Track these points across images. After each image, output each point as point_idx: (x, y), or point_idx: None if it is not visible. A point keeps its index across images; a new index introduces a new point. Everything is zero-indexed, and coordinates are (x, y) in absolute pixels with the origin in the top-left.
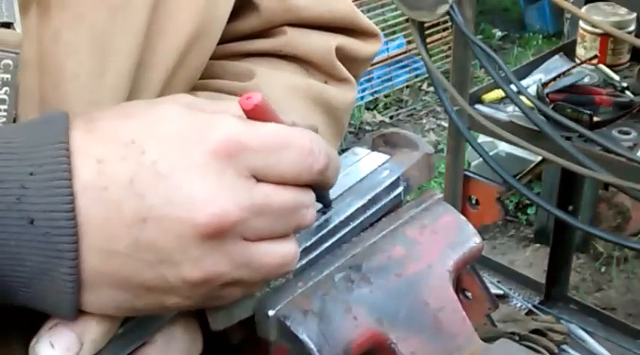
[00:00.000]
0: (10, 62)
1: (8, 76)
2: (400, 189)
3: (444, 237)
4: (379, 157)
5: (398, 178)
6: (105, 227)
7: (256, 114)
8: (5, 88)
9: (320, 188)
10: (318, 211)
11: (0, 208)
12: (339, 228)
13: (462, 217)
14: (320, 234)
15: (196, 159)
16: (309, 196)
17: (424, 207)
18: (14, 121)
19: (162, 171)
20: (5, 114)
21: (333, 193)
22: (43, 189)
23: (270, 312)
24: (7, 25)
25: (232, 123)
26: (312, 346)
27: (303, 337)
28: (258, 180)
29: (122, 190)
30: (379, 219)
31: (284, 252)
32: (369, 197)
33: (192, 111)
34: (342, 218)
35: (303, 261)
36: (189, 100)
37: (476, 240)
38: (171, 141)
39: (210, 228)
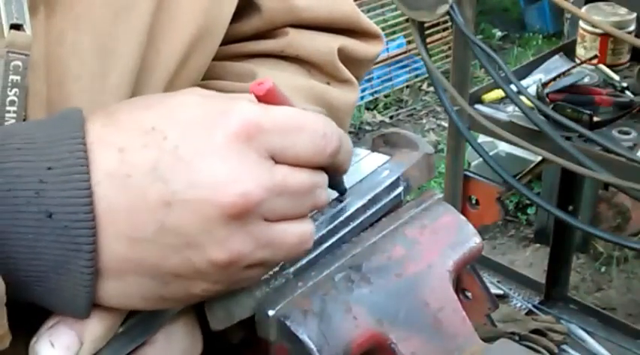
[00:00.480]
0: (19, 64)
1: (18, 77)
2: (400, 189)
3: (444, 237)
4: (379, 158)
5: (398, 178)
6: (130, 214)
7: (268, 99)
8: (15, 90)
9: (334, 173)
10: (334, 200)
11: (18, 202)
12: (339, 228)
13: (462, 217)
14: (320, 234)
15: (217, 141)
16: (323, 177)
17: (424, 207)
18: None
19: (185, 156)
20: (15, 115)
21: (333, 194)
22: (62, 182)
23: (270, 312)
24: (18, 27)
25: (250, 107)
26: (312, 346)
27: (303, 337)
28: (277, 161)
29: (146, 177)
30: (379, 219)
31: (302, 230)
32: (369, 197)
33: (210, 97)
34: (342, 218)
35: (303, 261)
36: (204, 91)
37: (476, 240)
38: (191, 126)
39: (235, 208)
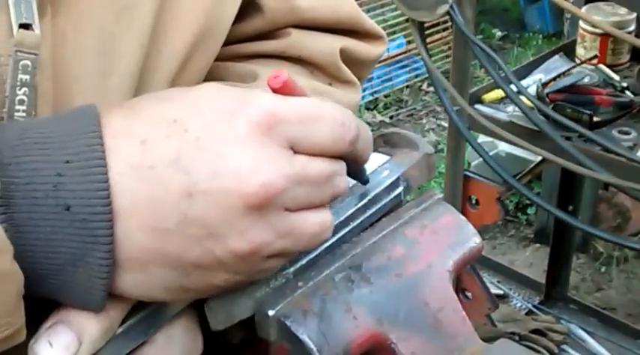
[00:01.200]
0: (28, 63)
1: (27, 76)
2: (400, 189)
3: (444, 237)
4: (379, 158)
5: (398, 178)
6: (154, 205)
7: (285, 91)
8: (24, 89)
9: (354, 162)
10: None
11: (36, 196)
12: (339, 228)
13: (462, 217)
14: None
15: (238, 132)
16: (342, 166)
17: (424, 207)
18: None
19: (206, 147)
20: (24, 114)
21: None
22: (79, 176)
23: (270, 312)
24: (27, 27)
25: (269, 97)
26: (312, 346)
27: (303, 337)
28: (296, 151)
29: (168, 168)
30: (379, 219)
31: (321, 220)
32: (369, 197)
33: (228, 90)
34: (342, 218)
35: (303, 261)
36: (222, 84)
37: (476, 240)
38: (212, 117)
39: (257, 198)
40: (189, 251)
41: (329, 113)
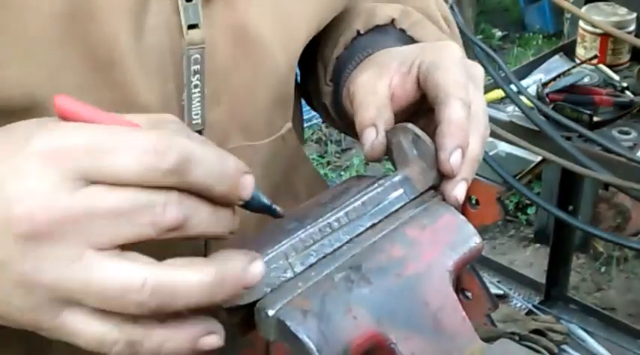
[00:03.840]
0: (198, 56)
1: (198, 66)
2: (401, 191)
3: (444, 237)
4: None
5: (400, 178)
6: None
7: (70, 116)
8: (197, 75)
9: (207, 194)
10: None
11: None
12: (339, 228)
13: (462, 217)
14: (320, 235)
15: (18, 162)
16: (162, 195)
17: (424, 207)
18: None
19: None
20: (199, 95)
21: None
22: None
23: (270, 312)
24: (194, 26)
25: (58, 128)
26: (312, 346)
27: (303, 337)
28: (93, 182)
29: None
30: (380, 220)
31: (127, 275)
32: (369, 196)
33: (28, 123)
34: (342, 219)
35: (304, 262)
36: (33, 121)
37: (476, 240)
38: (4, 146)
39: (20, 228)
40: None
41: (133, 141)
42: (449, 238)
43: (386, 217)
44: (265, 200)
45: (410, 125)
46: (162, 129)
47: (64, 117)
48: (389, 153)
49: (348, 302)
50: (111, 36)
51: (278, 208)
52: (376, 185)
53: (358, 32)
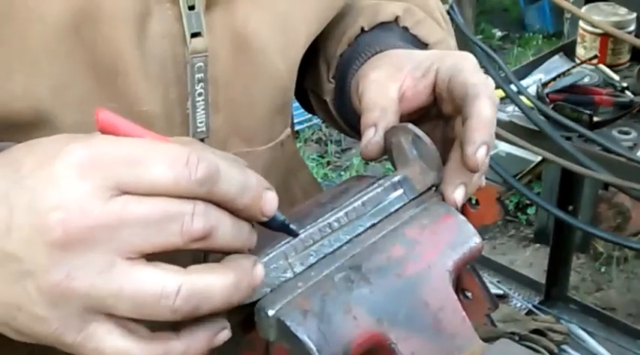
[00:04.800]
0: (202, 64)
1: (202, 74)
2: (401, 191)
3: (444, 237)
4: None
5: (400, 177)
6: None
7: (109, 129)
8: (201, 84)
9: (226, 206)
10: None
11: None
12: (339, 228)
13: (462, 217)
14: (320, 235)
15: (55, 171)
16: (190, 205)
17: (424, 207)
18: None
19: (28, 184)
20: (203, 103)
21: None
22: None
23: (270, 312)
24: (197, 34)
25: (93, 139)
26: (312, 346)
27: (303, 337)
28: (126, 192)
29: (1, 203)
30: (380, 220)
31: (163, 281)
32: (369, 196)
33: (66, 136)
34: (342, 219)
35: (304, 262)
36: (67, 134)
37: (476, 240)
38: (40, 159)
39: (55, 234)
40: (8, 289)
41: (166, 153)
42: (449, 238)
43: (386, 217)
44: (284, 218)
45: (410, 125)
46: (191, 145)
47: (104, 131)
48: (389, 153)
49: (348, 302)
50: (115, 46)
51: (294, 227)
52: (376, 185)
53: (362, 29)
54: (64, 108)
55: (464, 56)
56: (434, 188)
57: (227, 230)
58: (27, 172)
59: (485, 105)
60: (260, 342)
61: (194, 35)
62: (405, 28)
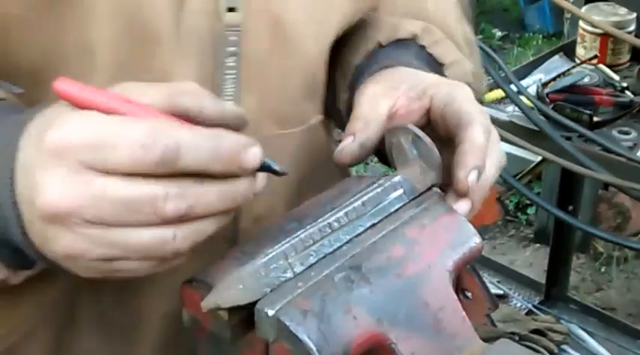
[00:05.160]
0: (235, 38)
1: (235, 48)
2: (401, 191)
3: (444, 237)
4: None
5: (399, 179)
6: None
7: (72, 100)
8: (232, 57)
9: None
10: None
11: None
12: (339, 228)
13: (462, 217)
14: (320, 235)
15: (42, 155)
16: (162, 188)
17: (424, 207)
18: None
19: (25, 165)
20: (234, 76)
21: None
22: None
23: (270, 312)
24: (232, 9)
25: (65, 124)
26: (312, 346)
27: (303, 337)
28: (101, 171)
29: (18, 175)
30: (379, 220)
31: (154, 235)
32: (369, 196)
33: (50, 111)
34: (342, 219)
35: (304, 262)
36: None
37: (476, 240)
38: (32, 140)
39: (46, 213)
40: (47, 244)
41: (124, 136)
42: (449, 238)
43: (386, 217)
44: (271, 163)
45: (410, 125)
46: (153, 121)
47: (64, 98)
48: (389, 153)
49: (348, 302)
50: (155, 15)
51: (278, 168)
52: (376, 185)
53: (380, 44)
54: (94, 72)
55: (459, 85)
56: (434, 188)
57: (211, 199)
58: (22, 154)
59: (478, 132)
60: (259, 342)
61: (230, 10)
62: (422, 47)
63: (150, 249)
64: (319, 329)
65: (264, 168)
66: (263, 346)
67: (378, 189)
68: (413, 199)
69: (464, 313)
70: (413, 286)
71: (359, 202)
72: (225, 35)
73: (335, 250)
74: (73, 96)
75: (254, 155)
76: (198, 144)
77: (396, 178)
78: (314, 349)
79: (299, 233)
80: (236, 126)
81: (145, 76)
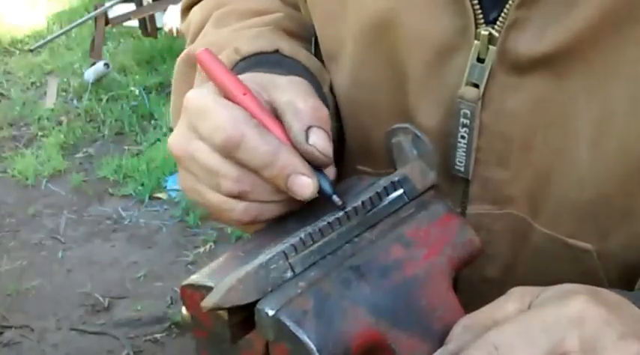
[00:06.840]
0: (467, 111)
1: (467, 120)
2: (401, 191)
3: (443, 237)
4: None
5: (400, 177)
6: None
7: (203, 66)
8: (465, 129)
9: (252, 168)
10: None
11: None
12: (339, 228)
13: (462, 217)
14: (320, 235)
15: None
16: (226, 168)
17: (424, 207)
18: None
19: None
20: (465, 146)
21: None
22: None
23: (270, 312)
24: (475, 86)
25: (201, 88)
26: (312, 346)
27: (303, 337)
28: (199, 136)
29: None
30: (380, 220)
31: (218, 199)
32: (369, 196)
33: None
34: (342, 219)
35: (304, 261)
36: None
37: (476, 240)
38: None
39: (172, 153)
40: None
41: (215, 114)
42: (449, 238)
43: (386, 217)
44: (328, 188)
45: (410, 125)
46: (238, 111)
47: (199, 64)
48: (389, 153)
49: (348, 302)
50: (409, 57)
51: (338, 199)
52: (376, 185)
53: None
54: (358, 87)
55: None
56: (434, 188)
57: (265, 191)
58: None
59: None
60: (259, 342)
61: (473, 85)
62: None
63: (217, 210)
64: (319, 329)
65: (323, 195)
66: (263, 346)
67: (378, 189)
68: (413, 199)
69: (464, 313)
70: (413, 286)
71: (359, 202)
72: (458, 107)
73: (335, 250)
74: (204, 66)
75: (303, 183)
76: (256, 147)
77: (396, 178)
78: (314, 349)
79: (299, 233)
80: (320, 162)
81: (394, 106)
